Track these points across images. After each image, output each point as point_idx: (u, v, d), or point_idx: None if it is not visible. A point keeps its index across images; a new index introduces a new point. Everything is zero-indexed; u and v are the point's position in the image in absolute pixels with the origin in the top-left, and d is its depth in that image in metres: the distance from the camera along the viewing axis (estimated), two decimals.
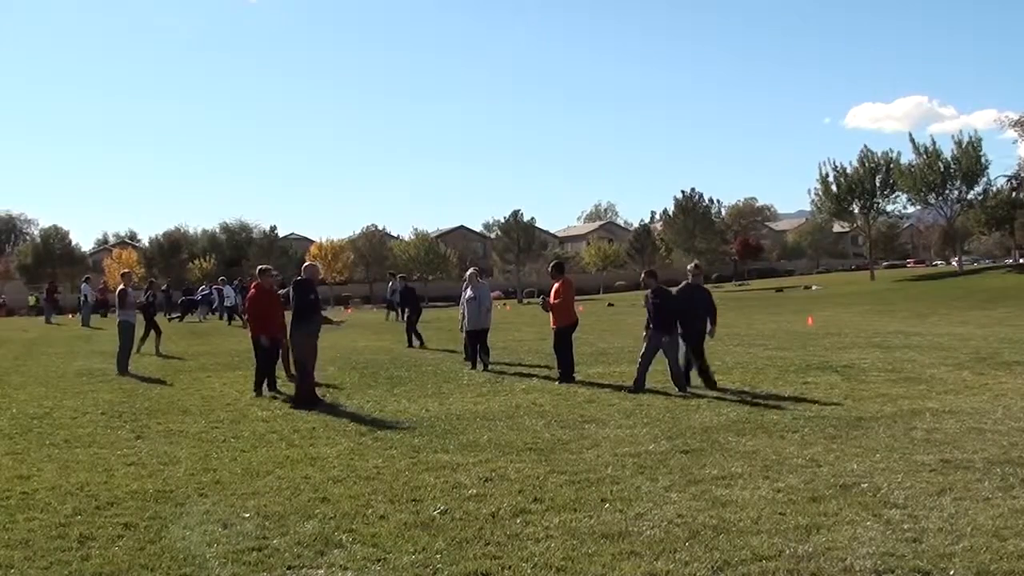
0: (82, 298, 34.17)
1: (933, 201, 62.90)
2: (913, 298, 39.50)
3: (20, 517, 5.86)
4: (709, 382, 11.49)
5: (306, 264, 12.47)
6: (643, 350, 11.64)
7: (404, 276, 24.26)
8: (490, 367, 14.43)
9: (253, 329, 12.00)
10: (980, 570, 4.55)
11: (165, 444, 8.44)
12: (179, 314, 36.19)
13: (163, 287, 49.29)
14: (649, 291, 11.87)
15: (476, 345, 14.69)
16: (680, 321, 11.54)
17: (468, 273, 15.50)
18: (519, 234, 78.59)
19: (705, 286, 12.32)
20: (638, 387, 11.29)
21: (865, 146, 66.03)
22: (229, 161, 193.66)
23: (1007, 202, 59.47)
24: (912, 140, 63.98)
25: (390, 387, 12.48)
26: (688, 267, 12.42)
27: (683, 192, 75.58)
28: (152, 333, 18.98)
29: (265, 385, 11.95)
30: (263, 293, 11.99)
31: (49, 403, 11.38)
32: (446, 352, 17.65)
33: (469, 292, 14.98)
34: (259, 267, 12.59)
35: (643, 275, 12.58)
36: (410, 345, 19.47)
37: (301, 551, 5.09)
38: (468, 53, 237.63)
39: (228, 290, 32.64)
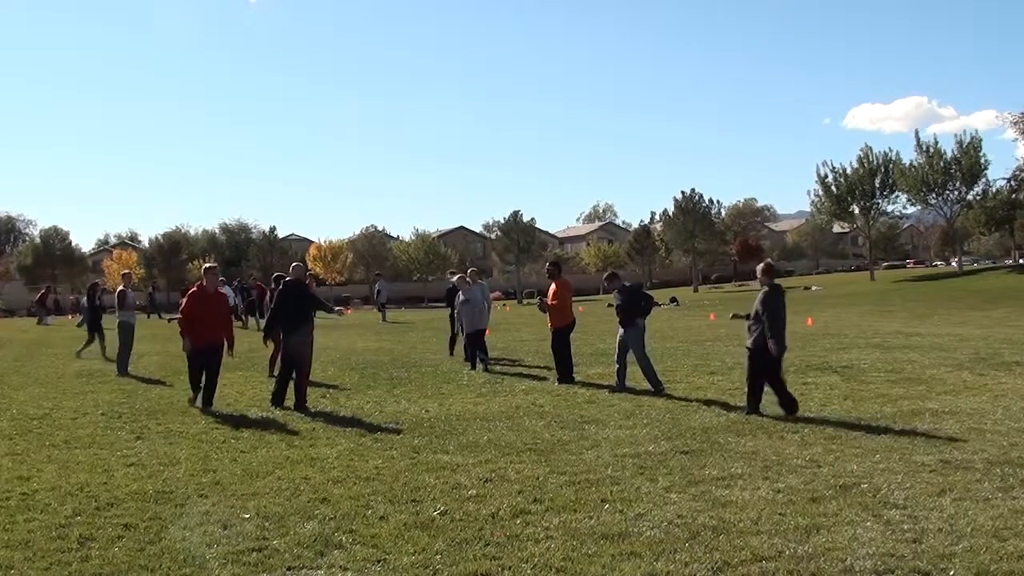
0: (84, 301, 34.30)
1: (933, 201, 62.97)
2: (913, 299, 39.51)
3: (20, 518, 5.86)
4: (789, 406, 9.35)
5: (294, 264, 12.23)
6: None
7: (458, 272, 20.24)
8: (489, 367, 14.42)
9: (181, 332, 11.04)
10: (980, 571, 4.55)
11: (165, 445, 8.43)
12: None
13: (151, 288, 49.20)
14: (615, 291, 12.04)
15: (474, 346, 14.71)
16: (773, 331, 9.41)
17: (456, 278, 15.50)
18: (519, 235, 78.66)
19: (783, 289, 9.92)
20: (619, 385, 11.51)
21: (866, 144, 66.14)
22: (229, 161, 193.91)
23: (1007, 202, 59.51)
24: (917, 137, 63.98)
25: (390, 388, 12.48)
26: (758, 268, 10.16)
27: (683, 192, 75.78)
28: (94, 336, 18.35)
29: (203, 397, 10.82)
30: (202, 295, 10.93)
31: (49, 404, 11.38)
32: (445, 353, 17.63)
33: (461, 296, 15.01)
34: (206, 265, 11.70)
35: (605, 277, 12.52)
36: (473, 367, 14.79)
37: (301, 552, 5.08)
38: (468, 53, 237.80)
39: (227, 290, 32.65)
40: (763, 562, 4.72)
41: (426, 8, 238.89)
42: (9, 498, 6.40)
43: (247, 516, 5.83)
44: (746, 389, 9.61)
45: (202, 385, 10.88)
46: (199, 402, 10.75)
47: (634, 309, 11.73)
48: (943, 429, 8.31)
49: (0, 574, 4.84)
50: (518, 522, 5.57)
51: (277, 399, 10.83)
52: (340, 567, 4.83)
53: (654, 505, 5.89)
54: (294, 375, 10.85)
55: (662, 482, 6.51)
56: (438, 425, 9.25)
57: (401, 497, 6.24)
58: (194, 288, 11.17)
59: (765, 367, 9.40)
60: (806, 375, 12.74)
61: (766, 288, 9.58)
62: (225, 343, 11.00)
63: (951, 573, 4.53)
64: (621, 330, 11.78)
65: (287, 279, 11.46)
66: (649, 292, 12.55)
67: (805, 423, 8.79)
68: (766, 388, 9.53)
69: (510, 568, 4.75)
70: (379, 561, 4.90)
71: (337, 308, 12.34)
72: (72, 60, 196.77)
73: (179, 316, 11.23)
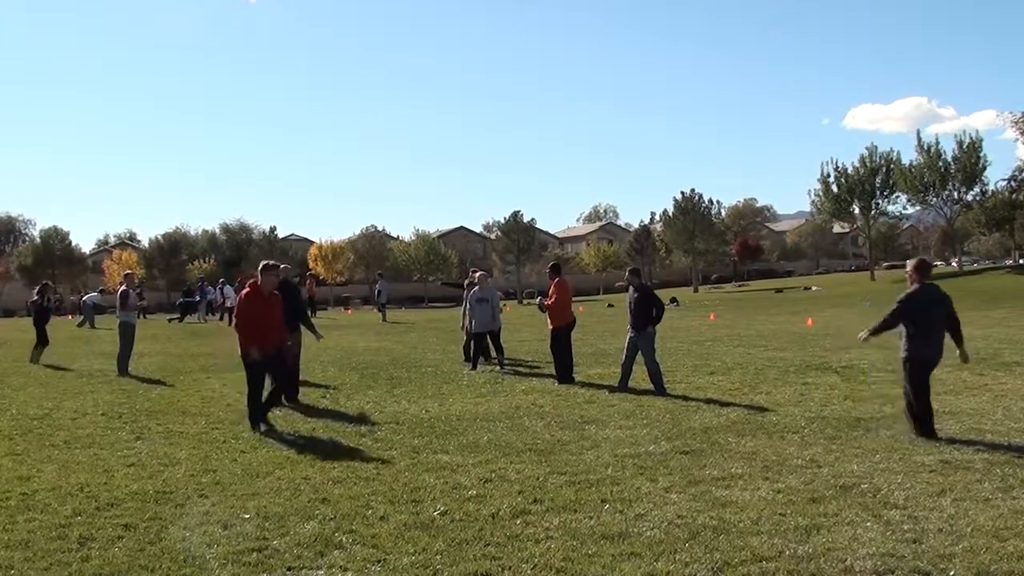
0: (83, 302, 34.54)
1: (933, 201, 63.03)
2: None
3: (20, 518, 5.85)
4: (922, 428, 8.12)
5: (283, 265, 12.12)
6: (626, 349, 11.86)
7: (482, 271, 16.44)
8: (495, 367, 14.43)
9: (243, 340, 9.41)
10: (980, 571, 4.55)
11: (165, 445, 8.43)
12: (179, 315, 36.19)
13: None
14: (632, 288, 11.91)
15: (481, 346, 14.69)
16: (920, 336, 8.37)
17: (479, 275, 15.27)
18: (519, 235, 78.63)
19: (942, 289, 8.69)
20: (621, 385, 11.54)
21: (872, 143, 66.40)
22: (229, 161, 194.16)
23: (1007, 203, 59.53)
24: (918, 137, 64.24)
25: (390, 388, 12.48)
26: (909, 265, 8.85)
27: (683, 193, 75.68)
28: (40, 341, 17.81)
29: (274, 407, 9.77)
30: (259, 295, 9.56)
31: (49, 404, 11.37)
32: (445, 353, 17.64)
33: (478, 294, 14.84)
34: (264, 262, 10.03)
35: (627, 273, 12.36)
36: (474, 368, 14.54)
37: (301, 552, 5.08)
38: (468, 54, 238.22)
39: (228, 290, 32.69)
40: (763, 562, 4.72)
41: (426, 8, 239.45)
42: (9, 498, 6.40)
43: (247, 516, 5.82)
44: (905, 405, 8.33)
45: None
46: (263, 426, 9.17)
47: (647, 316, 11.66)
48: (943, 429, 8.30)
49: (0, 574, 4.84)
50: (518, 522, 5.57)
51: (288, 396, 10.94)
52: (340, 567, 4.83)
53: (654, 505, 5.89)
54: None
55: (662, 482, 6.50)
56: (438, 425, 9.24)
57: (401, 497, 6.24)
58: (248, 289, 9.65)
59: (916, 375, 8.24)
60: (806, 375, 12.73)
61: (915, 287, 8.40)
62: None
63: (951, 573, 4.53)
64: (632, 332, 11.75)
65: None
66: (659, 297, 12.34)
67: (805, 423, 8.79)
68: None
69: (510, 568, 4.75)
70: (379, 561, 4.90)
71: (319, 335, 11.49)
72: (72, 60, 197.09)
73: (235, 321, 9.78)
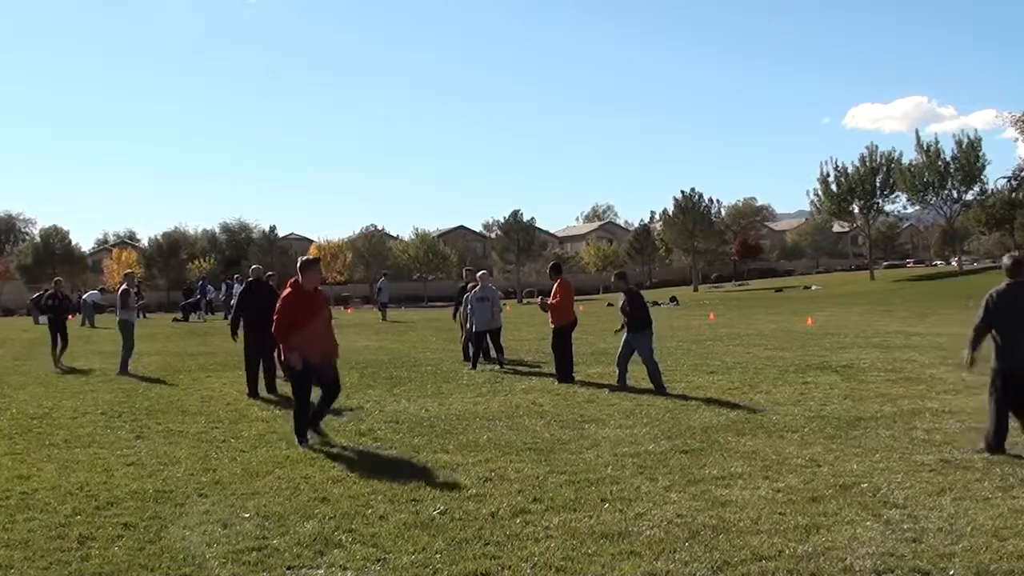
0: (84, 301, 34.56)
1: (932, 201, 63.05)
2: (913, 298, 39.51)
3: (20, 517, 5.85)
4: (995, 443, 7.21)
5: (254, 266, 12.76)
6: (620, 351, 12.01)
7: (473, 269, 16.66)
8: (492, 366, 14.44)
9: (285, 346, 8.24)
10: (980, 570, 4.54)
11: (165, 444, 8.43)
12: (182, 316, 36.19)
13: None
14: (622, 293, 12.04)
15: (482, 345, 14.68)
16: (1004, 342, 7.18)
17: (480, 274, 15.19)
18: (519, 234, 78.64)
19: None
20: (620, 384, 11.65)
21: (872, 142, 66.52)
22: (229, 161, 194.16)
23: (1006, 202, 59.55)
24: (918, 137, 64.40)
25: (389, 387, 12.47)
26: (1004, 260, 7.57)
27: (682, 192, 75.69)
28: (60, 342, 16.90)
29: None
30: (304, 295, 8.38)
31: (49, 403, 11.38)
32: (445, 352, 17.63)
33: (479, 293, 14.77)
34: (304, 258, 8.88)
35: (613, 277, 12.51)
36: (474, 367, 14.40)
37: (301, 551, 5.08)
38: (468, 53, 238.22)
39: (236, 288, 32.65)
40: (763, 561, 4.72)
41: (426, 8, 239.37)
42: (9, 497, 6.40)
43: (247, 515, 5.82)
44: (992, 422, 7.25)
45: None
46: (311, 438, 8.32)
47: (643, 320, 11.76)
48: (943, 429, 8.30)
49: (0, 573, 4.84)
50: (518, 521, 5.57)
51: (251, 389, 11.73)
52: (340, 566, 4.83)
53: (654, 504, 5.89)
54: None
55: (662, 481, 6.50)
56: (438, 425, 9.24)
57: (401, 497, 6.23)
58: (289, 289, 8.41)
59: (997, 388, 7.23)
60: (806, 375, 12.72)
61: (1001, 285, 7.33)
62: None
63: (951, 573, 4.53)
64: (627, 333, 11.83)
65: (248, 279, 12.38)
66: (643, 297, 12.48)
67: (805, 423, 8.79)
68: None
69: (510, 567, 4.75)
70: (379, 560, 4.90)
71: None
72: (72, 60, 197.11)
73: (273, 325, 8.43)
